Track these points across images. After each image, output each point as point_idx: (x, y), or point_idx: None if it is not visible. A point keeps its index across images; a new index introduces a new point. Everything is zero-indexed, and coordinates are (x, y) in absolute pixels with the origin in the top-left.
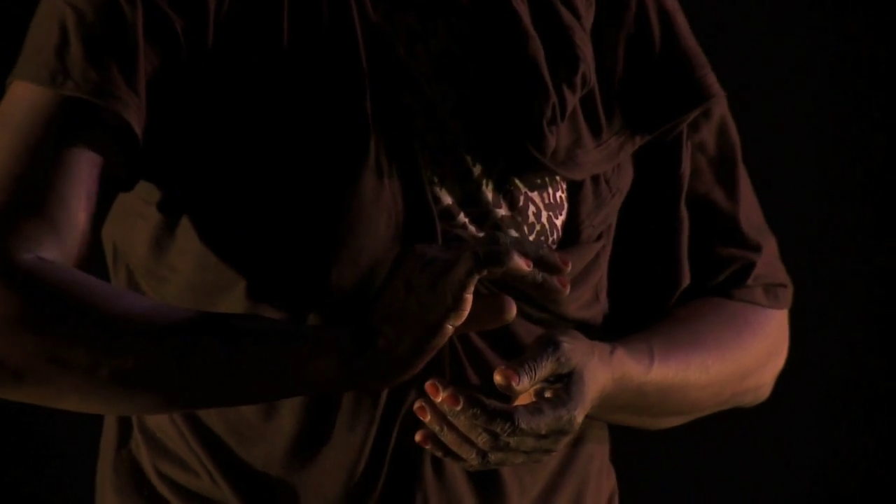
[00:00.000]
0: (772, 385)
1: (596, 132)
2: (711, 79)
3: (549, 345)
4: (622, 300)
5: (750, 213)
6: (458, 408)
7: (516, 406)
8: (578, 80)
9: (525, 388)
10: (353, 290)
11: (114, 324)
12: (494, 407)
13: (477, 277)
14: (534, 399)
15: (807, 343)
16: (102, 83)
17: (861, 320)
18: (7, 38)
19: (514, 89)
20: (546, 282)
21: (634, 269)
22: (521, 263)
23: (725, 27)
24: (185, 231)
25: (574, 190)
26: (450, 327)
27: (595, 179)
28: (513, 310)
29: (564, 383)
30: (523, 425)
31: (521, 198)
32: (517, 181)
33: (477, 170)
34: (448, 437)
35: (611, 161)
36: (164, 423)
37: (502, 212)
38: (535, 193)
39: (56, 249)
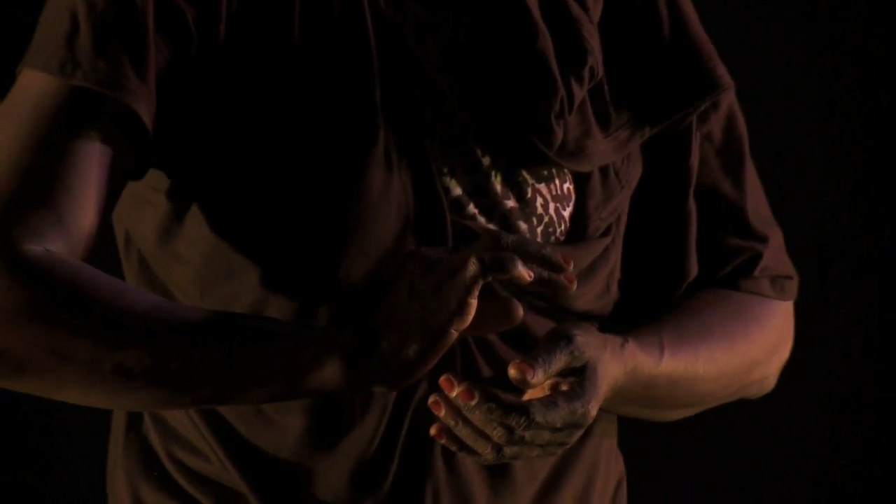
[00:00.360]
0: (777, 376)
1: (605, 123)
2: (721, 69)
3: (562, 338)
4: (629, 291)
5: (757, 204)
6: (474, 402)
7: (531, 400)
8: (586, 73)
9: (540, 381)
10: (363, 281)
11: (118, 319)
12: (510, 401)
13: (482, 283)
14: (546, 392)
15: (812, 335)
16: (112, 73)
17: (863, 314)
18: (7, 37)
19: (522, 82)
20: (552, 280)
21: (642, 260)
22: (524, 273)
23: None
24: (194, 220)
25: (581, 181)
26: (454, 332)
27: (604, 171)
28: (519, 314)
29: (578, 377)
30: (539, 419)
31: (529, 189)
32: (525, 173)
33: (485, 161)
34: (463, 432)
35: (620, 152)
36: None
37: (510, 203)
38: (543, 185)
39: (62, 240)
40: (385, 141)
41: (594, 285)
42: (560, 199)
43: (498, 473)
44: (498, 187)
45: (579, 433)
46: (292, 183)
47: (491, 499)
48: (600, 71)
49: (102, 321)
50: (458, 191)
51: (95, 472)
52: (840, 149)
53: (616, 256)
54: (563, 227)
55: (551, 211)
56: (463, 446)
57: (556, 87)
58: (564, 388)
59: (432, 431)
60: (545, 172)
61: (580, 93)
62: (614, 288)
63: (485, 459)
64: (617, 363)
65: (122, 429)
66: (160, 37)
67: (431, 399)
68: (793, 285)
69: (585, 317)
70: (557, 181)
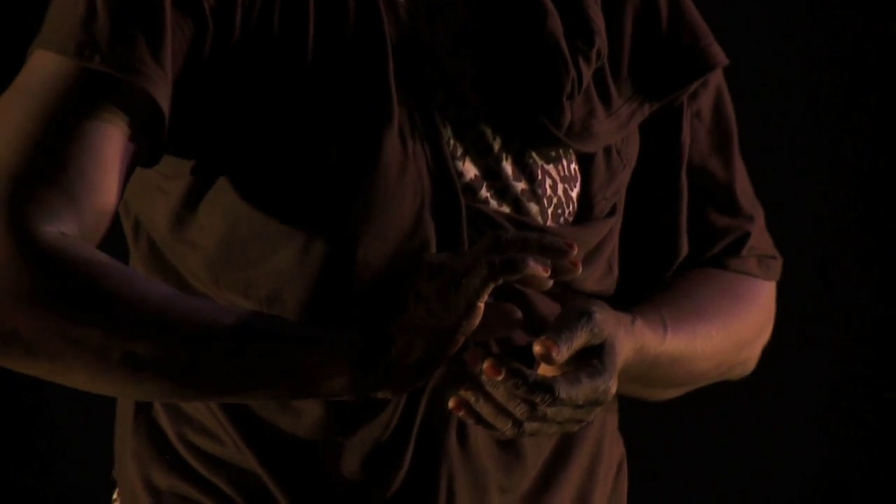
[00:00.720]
0: (758, 359)
1: (606, 102)
2: (716, 48)
3: (583, 315)
4: (621, 270)
5: (744, 183)
6: (500, 377)
7: (556, 377)
8: (594, 54)
9: (563, 358)
10: (380, 265)
11: (130, 308)
12: (535, 378)
13: (492, 286)
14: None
15: (809, 326)
16: (130, 58)
17: (864, 313)
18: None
19: (533, 64)
20: (558, 267)
21: (633, 239)
22: (538, 269)
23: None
24: (208, 207)
25: (585, 162)
26: (461, 337)
27: (607, 151)
28: (519, 316)
29: (598, 354)
30: (563, 395)
31: (539, 171)
32: (534, 154)
33: (497, 144)
34: (484, 408)
35: (622, 131)
36: None
37: (522, 185)
38: (551, 166)
39: (75, 221)
40: (400, 125)
41: (599, 266)
42: (567, 179)
43: (509, 454)
44: (509, 170)
45: (598, 411)
46: (308, 168)
47: (503, 480)
48: (606, 51)
49: (114, 309)
50: (471, 174)
51: (95, 472)
52: (841, 149)
53: (617, 236)
54: (571, 208)
55: (560, 192)
56: (481, 421)
57: (566, 67)
58: (588, 365)
59: (451, 404)
60: (553, 153)
61: (588, 73)
62: (616, 268)
63: (503, 435)
64: (629, 341)
65: (130, 412)
66: (177, 23)
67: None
68: (777, 265)
69: (592, 298)
70: (564, 162)
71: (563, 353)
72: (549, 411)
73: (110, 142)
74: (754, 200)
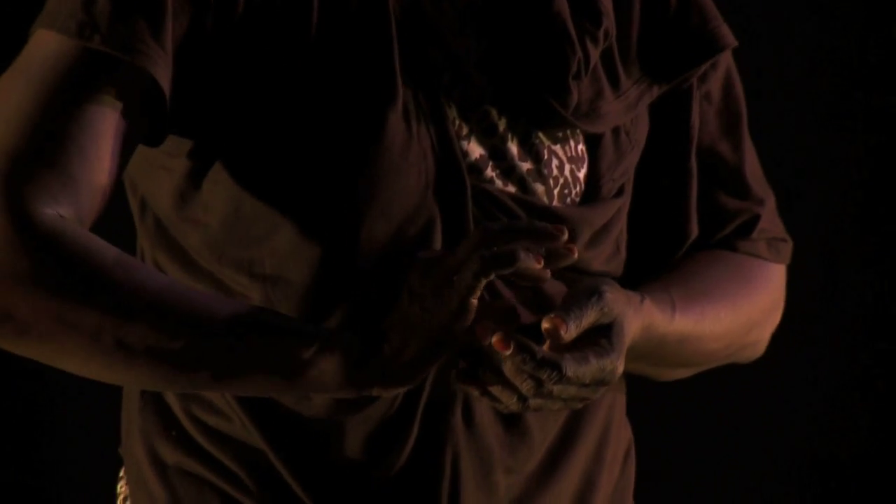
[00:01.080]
0: (768, 342)
1: (615, 83)
2: (725, 29)
3: (593, 294)
4: (630, 251)
5: (754, 166)
6: (509, 352)
7: (564, 354)
8: (601, 34)
9: (572, 336)
10: (383, 244)
11: (125, 295)
12: (543, 354)
13: (484, 282)
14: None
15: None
16: (130, 38)
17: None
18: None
19: (539, 44)
20: (553, 251)
21: (643, 221)
22: (530, 261)
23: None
24: (211, 185)
25: (593, 143)
26: (456, 334)
27: (615, 132)
28: (517, 313)
29: (606, 333)
30: (570, 373)
31: (545, 151)
32: (541, 135)
33: (502, 124)
34: (490, 381)
35: (630, 112)
36: None
37: (527, 165)
38: (558, 147)
39: (73, 202)
40: (404, 105)
41: (607, 246)
42: (575, 160)
43: (515, 434)
44: (515, 150)
45: (604, 390)
46: (311, 147)
47: (508, 461)
48: (614, 32)
49: (110, 294)
50: (476, 154)
51: (96, 472)
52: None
53: (625, 217)
54: (577, 189)
55: (567, 173)
56: (486, 393)
57: (573, 48)
58: (594, 344)
59: (455, 374)
60: (560, 134)
61: (595, 54)
62: (623, 249)
63: (506, 408)
64: (637, 320)
65: (136, 389)
66: (178, 3)
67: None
68: (787, 248)
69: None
70: (572, 143)
71: (571, 330)
72: (555, 389)
73: (110, 121)
74: (765, 184)
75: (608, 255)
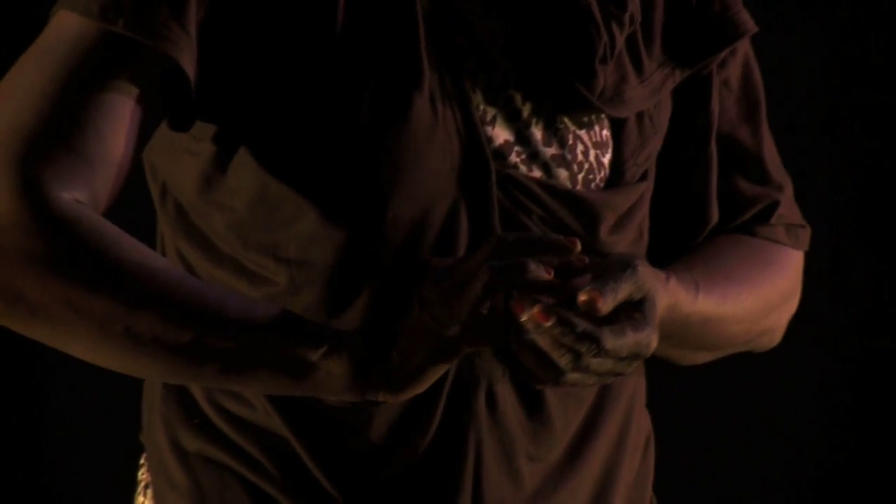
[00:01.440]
0: (784, 330)
1: (638, 68)
2: (746, 15)
3: (627, 267)
4: (651, 237)
5: (772, 152)
6: (549, 323)
7: (602, 327)
8: (627, 18)
9: (608, 309)
10: (408, 228)
11: (136, 283)
12: (584, 327)
13: (493, 294)
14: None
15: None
16: (154, 23)
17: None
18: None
19: (566, 28)
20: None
21: (663, 207)
22: (540, 273)
23: None
24: (237, 169)
25: (617, 128)
26: (464, 344)
27: (639, 117)
28: (555, 287)
29: (640, 307)
30: (608, 346)
31: (570, 136)
32: (566, 119)
33: (526, 109)
34: (528, 357)
35: (654, 97)
36: None
37: (552, 151)
38: (583, 132)
39: (89, 188)
40: (430, 89)
41: (630, 231)
42: (599, 145)
43: (537, 422)
44: (539, 135)
45: (636, 364)
46: (338, 131)
47: (531, 449)
48: (639, 16)
49: (120, 282)
50: (500, 139)
51: (95, 473)
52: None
53: (648, 202)
54: (602, 174)
55: (591, 158)
56: (521, 370)
57: (599, 31)
58: (629, 318)
59: (495, 352)
60: (585, 119)
61: (620, 38)
62: (646, 234)
63: (542, 384)
64: (665, 297)
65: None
66: None
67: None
68: (806, 234)
69: None
70: (597, 128)
71: (608, 303)
72: (593, 362)
73: (129, 106)
74: (783, 170)
75: (632, 240)
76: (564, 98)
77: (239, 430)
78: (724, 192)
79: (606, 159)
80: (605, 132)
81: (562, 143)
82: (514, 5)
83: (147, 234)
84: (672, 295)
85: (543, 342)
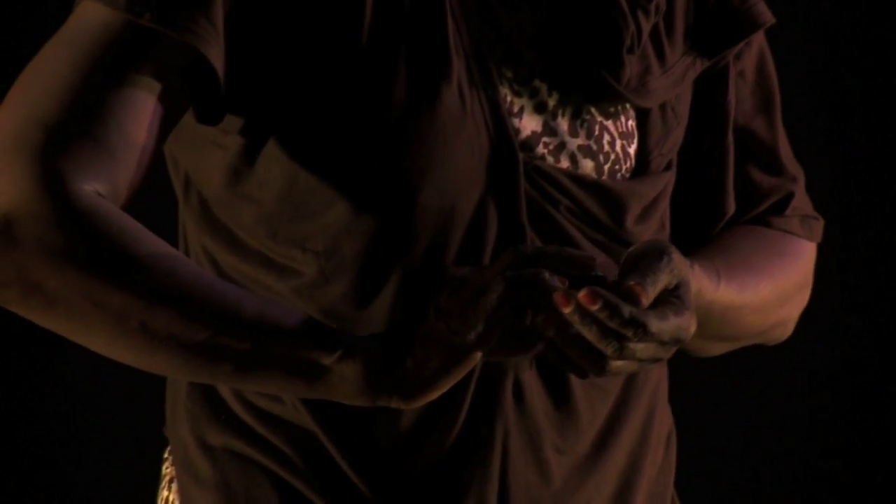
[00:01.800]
0: (795, 323)
1: (661, 59)
2: (763, 7)
3: (662, 255)
4: (669, 227)
5: (786, 144)
6: (596, 307)
7: (646, 311)
8: (653, 7)
9: (650, 301)
10: (436, 219)
11: (153, 279)
12: (631, 311)
13: (508, 304)
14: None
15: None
16: (181, 16)
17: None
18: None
19: (593, 18)
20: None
21: (680, 198)
22: (554, 282)
23: None
24: (266, 161)
25: (642, 118)
26: (478, 353)
27: (662, 107)
28: (538, 342)
29: (677, 293)
30: (654, 329)
31: (597, 127)
32: (593, 110)
33: (553, 100)
34: (573, 351)
35: (676, 87)
36: None
37: (579, 141)
38: (610, 122)
39: (110, 181)
40: (458, 81)
41: (654, 222)
42: (625, 136)
43: (563, 414)
44: (565, 126)
45: (674, 350)
46: (367, 121)
47: (557, 441)
48: (664, 6)
49: (138, 278)
50: (527, 131)
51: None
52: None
53: (670, 192)
54: (628, 164)
55: (618, 148)
56: (566, 361)
57: (626, 21)
58: (668, 303)
59: (540, 349)
60: (612, 110)
61: (647, 28)
62: (667, 224)
63: (586, 375)
64: (693, 283)
65: None
66: None
67: (541, 318)
68: (819, 226)
69: None
70: (622, 118)
71: (650, 296)
72: (638, 347)
73: (152, 99)
74: (796, 162)
75: (655, 230)
76: (592, 88)
77: (267, 425)
78: (739, 184)
79: (632, 149)
80: (631, 122)
81: (589, 134)
82: None
83: (167, 227)
84: (697, 282)
85: (589, 332)
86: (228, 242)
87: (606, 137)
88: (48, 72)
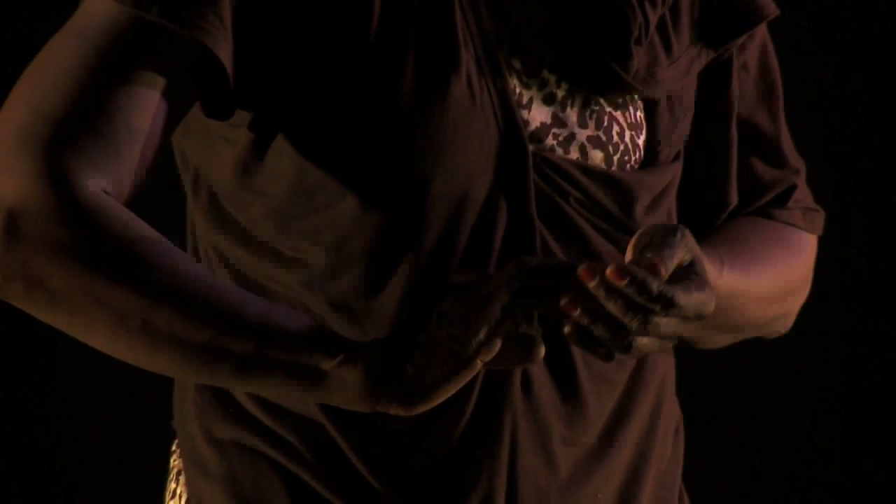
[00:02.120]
0: (795, 316)
1: (668, 50)
2: None
3: (675, 231)
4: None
5: (787, 135)
6: (623, 283)
7: (671, 285)
8: None
9: (668, 275)
10: (447, 211)
11: (156, 278)
12: (658, 285)
13: (511, 315)
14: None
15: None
16: (189, 11)
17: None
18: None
19: (601, 8)
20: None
21: (682, 189)
22: (559, 297)
23: None
24: (276, 155)
25: (650, 109)
26: (479, 362)
27: (669, 98)
28: (541, 352)
29: (695, 269)
30: (681, 302)
31: (606, 118)
32: (601, 101)
33: (561, 91)
34: (598, 329)
35: (683, 78)
36: None
37: (588, 132)
38: (619, 113)
39: (115, 177)
40: (467, 73)
41: (662, 212)
42: (634, 126)
43: (571, 405)
44: (574, 117)
45: (695, 326)
46: (377, 114)
47: (565, 432)
48: None
49: (141, 276)
50: (536, 122)
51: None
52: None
53: (678, 183)
54: (637, 155)
55: (627, 139)
56: (592, 342)
57: (634, 12)
58: (687, 279)
59: (567, 330)
60: (620, 101)
61: (654, 18)
62: (674, 215)
63: (612, 353)
64: None
65: None
66: None
67: (564, 300)
68: (820, 219)
69: None
70: (631, 109)
71: (669, 269)
72: (662, 322)
73: (159, 95)
74: (797, 154)
75: (663, 221)
76: (600, 79)
77: (275, 418)
78: (742, 175)
79: (641, 140)
80: (639, 113)
81: (598, 125)
82: None
83: (174, 222)
84: None
85: (614, 307)
86: (237, 236)
87: (615, 128)
88: (54, 66)
